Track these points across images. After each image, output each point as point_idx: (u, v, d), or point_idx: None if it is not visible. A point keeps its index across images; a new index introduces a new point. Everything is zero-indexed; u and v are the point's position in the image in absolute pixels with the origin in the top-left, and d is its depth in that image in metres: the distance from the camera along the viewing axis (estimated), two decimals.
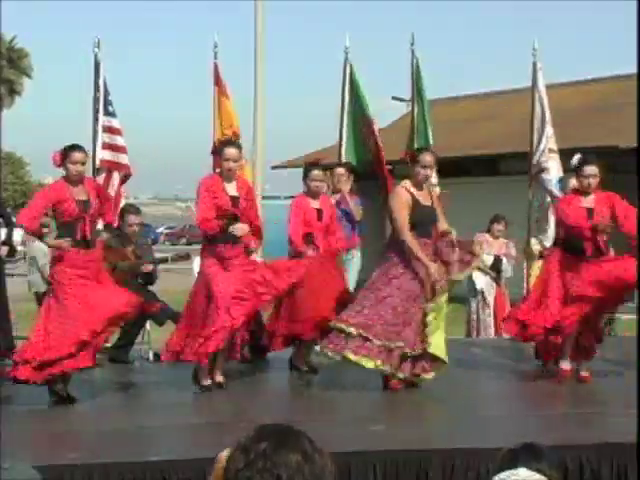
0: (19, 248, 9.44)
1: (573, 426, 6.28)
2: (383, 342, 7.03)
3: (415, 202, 7.15)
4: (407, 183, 7.24)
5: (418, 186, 7.23)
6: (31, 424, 6.36)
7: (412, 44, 10.45)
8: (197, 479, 5.06)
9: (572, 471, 5.23)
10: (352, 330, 7.04)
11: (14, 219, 7.94)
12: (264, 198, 13.74)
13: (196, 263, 11.16)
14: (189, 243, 52.64)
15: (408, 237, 7.02)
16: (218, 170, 7.47)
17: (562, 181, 10.42)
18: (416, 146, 10.30)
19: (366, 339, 7.04)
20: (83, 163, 6.84)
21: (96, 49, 9.66)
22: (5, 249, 8.46)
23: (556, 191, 10.45)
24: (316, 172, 8.16)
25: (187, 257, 9.89)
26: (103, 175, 9.56)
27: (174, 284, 14.59)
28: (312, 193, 8.08)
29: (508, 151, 18.28)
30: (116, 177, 9.59)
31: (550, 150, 10.54)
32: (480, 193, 19.14)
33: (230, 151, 7.20)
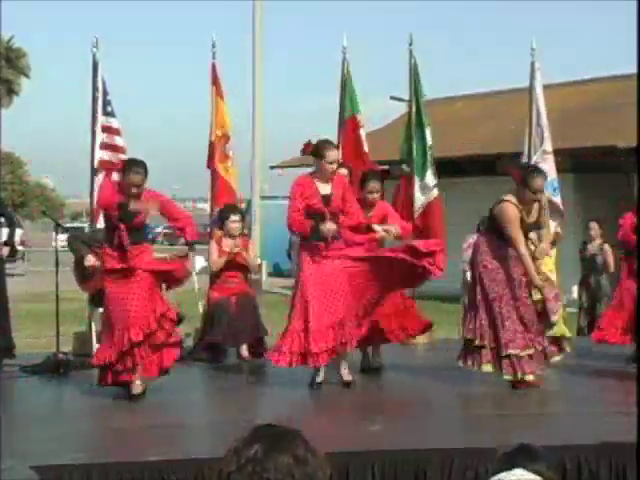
0: (19, 248, 9.44)
1: (571, 426, 6.29)
2: (530, 350, 7.22)
3: (521, 219, 7.22)
4: (513, 199, 7.22)
5: (524, 204, 7.22)
6: (30, 424, 6.36)
7: (410, 44, 10.45)
8: (195, 479, 5.07)
9: (570, 471, 5.23)
10: (477, 342, 7.24)
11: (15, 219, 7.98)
12: (262, 198, 13.73)
13: (195, 262, 11.18)
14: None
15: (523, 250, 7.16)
16: (311, 170, 7.46)
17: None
18: (414, 146, 10.30)
19: (483, 347, 7.24)
20: (139, 185, 6.93)
21: (94, 49, 9.63)
22: (6, 249, 8.47)
23: (548, 193, 10.42)
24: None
25: (186, 257, 9.90)
26: (101, 176, 9.52)
27: None
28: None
29: (506, 151, 18.26)
30: (115, 178, 9.55)
31: (544, 152, 10.54)
32: (477, 193, 19.13)
33: (330, 154, 7.20)
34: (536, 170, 7.33)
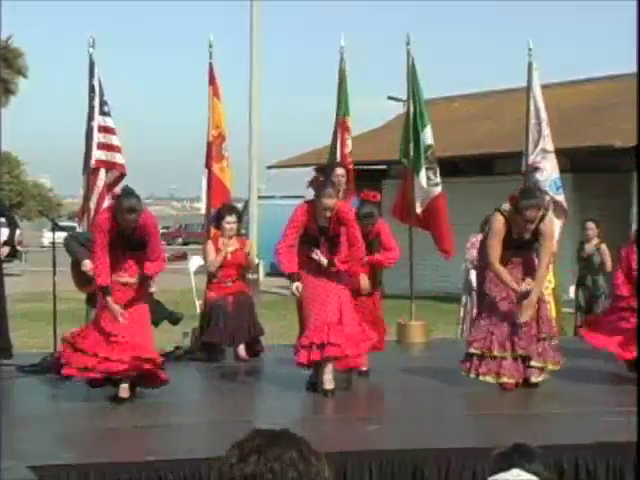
0: (18, 248, 9.42)
1: (569, 426, 6.29)
2: (502, 353, 7.20)
3: (507, 235, 7.24)
4: (506, 212, 7.26)
5: (516, 224, 7.23)
6: (28, 424, 6.36)
7: (408, 44, 10.46)
8: (193, 479, 5.07)
9: (568, 471, 5.24)
10: (479, 352, 7.25)
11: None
12: (260, 198, 13.75)
13: (192, 263, 11.18)
14: (185, 243, 52.65)
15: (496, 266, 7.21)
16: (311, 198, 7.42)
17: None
18: (412, 146, 10.30)
19: (493, 357, 7.23)
20: (134, 222, 6.82)
21: (91, 49, 9.61)
22: (6, 249, 8.45)
23: (552, 192, 10.41)
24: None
25: (184, 257, 9.91)
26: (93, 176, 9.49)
27: (171, 284, 14.58)
28: None
29: (504, 151, 18.28)
30: (102, 177, 9.49)
31: (545, 150, 10.53)
32: (476, 193, 19.14)
33: (326, 202, 7.13)
34: (531, 202, 7.24)
